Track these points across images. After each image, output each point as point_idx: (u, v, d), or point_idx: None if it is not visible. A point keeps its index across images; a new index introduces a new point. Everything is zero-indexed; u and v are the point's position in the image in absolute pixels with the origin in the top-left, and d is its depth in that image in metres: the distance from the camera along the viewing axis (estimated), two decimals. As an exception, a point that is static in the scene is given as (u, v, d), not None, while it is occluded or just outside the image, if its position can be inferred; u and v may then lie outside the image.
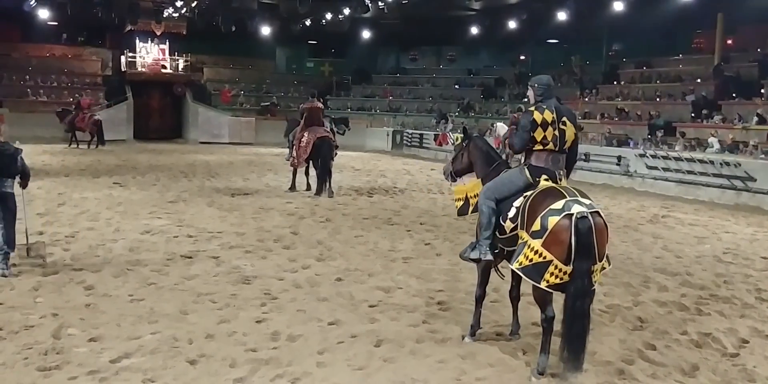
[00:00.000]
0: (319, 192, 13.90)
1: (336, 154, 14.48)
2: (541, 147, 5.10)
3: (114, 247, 8.61)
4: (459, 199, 5.98)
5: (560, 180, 5.11)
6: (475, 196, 5.70)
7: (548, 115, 5.05)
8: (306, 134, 13.86)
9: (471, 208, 5.81)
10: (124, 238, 9.17)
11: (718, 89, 22.39)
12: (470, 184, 5.92)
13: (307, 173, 14.59)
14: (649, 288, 7.45)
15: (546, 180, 5.07)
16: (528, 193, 4.99)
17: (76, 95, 28.50)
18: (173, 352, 5.12)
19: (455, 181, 6.17)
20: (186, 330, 5.60)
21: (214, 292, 6.76)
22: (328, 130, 14.33)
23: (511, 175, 5.27)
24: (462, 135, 6.28)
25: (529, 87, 5.31)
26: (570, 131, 5.12)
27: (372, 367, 4.95)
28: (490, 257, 5.26)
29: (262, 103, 33.91)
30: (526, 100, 29.32)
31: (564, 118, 5.10)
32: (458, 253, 5.81)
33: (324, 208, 12.35)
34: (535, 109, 5.12)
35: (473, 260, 5.43)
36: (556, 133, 5.05)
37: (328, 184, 14.02)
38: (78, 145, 24.92)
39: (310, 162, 14.15)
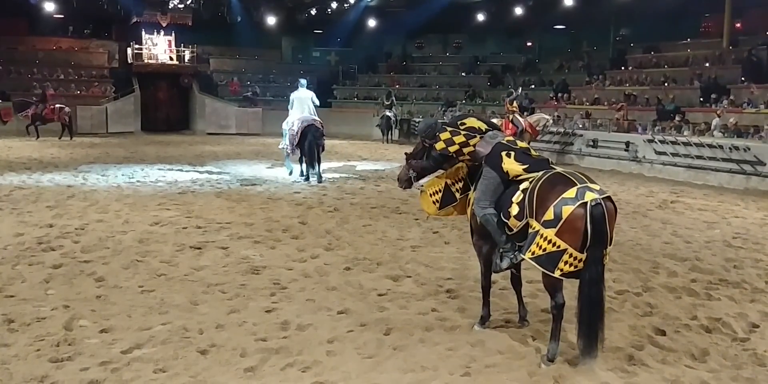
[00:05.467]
0: (307, 177, 14.59)
1: (323, 141, 15.04)
2: (470, 148, 5.37)
3: (123, 238, 8.64)
4: (437, 191, 5.77)
5: (515, 141, 5.42)
6: (459, 181, 5.64)
7: (444, 136, 5.45)
8: (295, 122, 14.46)
9: (459, 195, 5.68)
10: (134, 229, 9.20)
11: (727, 73, 22.22)
12: (448, 171, 5.74)
13: (301, 161, 15.11)
14: (659, 274, 7.42)
15: (507, 154, 5.15)
16: (527, 184, 4.94)
17: (44, 84, 27.99)
18: (184, 342, 5.15)
19: (411, 187, 6.07)
20: (196, 320, 5.63)
21: (223, 282, 6.79)
22: (317, 117, 14.86)
23: (485, 174, 5.28)
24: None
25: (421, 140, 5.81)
26: (471, 122, 5.51)
27: (382, 355, 4.96)
28: (521, 257, 5.13)
29: (243, 93, 33.54)
30: (533, 86, 29.47)
31: (458, 122, 5.54)
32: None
33: (332, 198, 12.37)
34: (436, 141, 5.51)
35: (508, 268, 5.40)
36: (461, 134, 5.40)
37: (317, 169, 14.64)
38: (35, 136, 24.34)
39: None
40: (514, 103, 18.73)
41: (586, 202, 4.55)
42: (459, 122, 5.55)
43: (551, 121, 20.32)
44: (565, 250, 4.59)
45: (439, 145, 5.48)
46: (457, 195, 5.69)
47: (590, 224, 4.54)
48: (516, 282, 5.67)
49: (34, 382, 4.43)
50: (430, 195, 5.81)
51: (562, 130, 20.94)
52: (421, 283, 6.92)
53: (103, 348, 5.01)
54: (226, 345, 5.10)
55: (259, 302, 6.18)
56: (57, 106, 24.74)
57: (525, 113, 19.51)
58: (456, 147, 5.42)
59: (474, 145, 5.39)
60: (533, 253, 4.71)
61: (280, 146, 15.62)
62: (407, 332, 5.42)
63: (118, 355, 4.88)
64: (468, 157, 5.47)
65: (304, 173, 14.81)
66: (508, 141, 5.37)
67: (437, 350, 5.05)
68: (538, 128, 19.30)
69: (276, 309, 5.99)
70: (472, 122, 5.52)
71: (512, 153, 5.18)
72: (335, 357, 4.92)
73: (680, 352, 5.10)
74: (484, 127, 5.50)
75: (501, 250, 5.27)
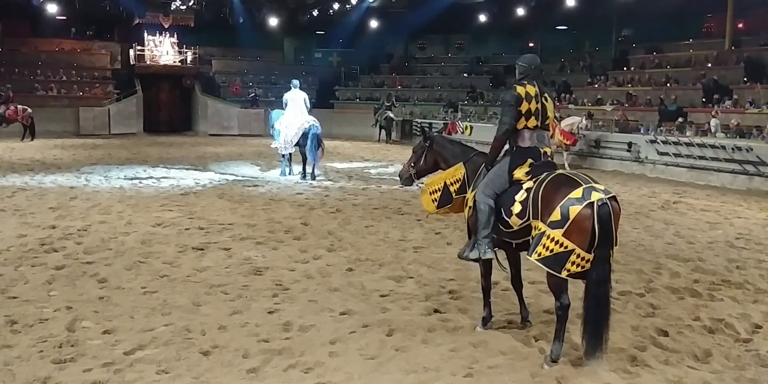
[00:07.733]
0: (312, 176, 14.98)
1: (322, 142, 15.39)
2: (524, 123, 5.20)
3: (126, 240, 8.65)
4: (436, 191, 5.77)
5: (547, 156, 5.25)
6: (456, 182, 5.63)
7: (531, 89, 5.22)
8: (293, 122, 14.74)
9: (455, 196, 5.65)
10: (136, 231, 9.21)
11: (729, 74, 22.19)
12: (447, 171, 5.78)
13: (289, 159, 15.72)
14: (661, 274, 7.42)
15: (531, 164, 5.12)
16: (531, 184, 4.94)
17: (6, 85, 27.82)
18: (186, 343, 5.15)
19: (411, 184, 6.20)
20: (199, 321, 5.63)
21: (226, 283, 6.79)
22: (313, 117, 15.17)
23: (501, 167, 5.25)
24: (423, 134, 6.23)
25: (516, 65, 5.44)
26: (550, 106, 5.35)
27: (384, 356, 4.96)
28: (490, 255, 5.21)
29: (249, 95, 33.50)
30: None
31: (545, 94, 5.32)
32: (457, 254, 5.77)
33: (334, 199, 12.37)
34: (517, 85, 5.28)
35: (474, 260, 5.39)
36: (539, 106, 5.24)
37: (313, 168, 15.10)
38: None
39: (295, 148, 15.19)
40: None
41: (592, 202, 4.54)
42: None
43: (584, 122, 19.29)
44: (573, 250, 4.57)
45: (509, 94, 5.24)
46: (454, 196, 5.68)
47: (597, 224, 4.53)
48: (516, 283, 5.66)
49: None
50: (430, 194, 5.83)
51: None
52: (423, 284, 6.92)
53: (106, 349, 5.01)
54: (229, 346, 5.10)
55: (262, 303, 6.18)
56: (19, 107, 24.83)
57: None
58: (525, 105, 5.16)
59: (516, 124, 5.18)
60: (540, 255, 4.69)
61: (273, 145, 15.90)
62: (409, 333, 5.42)
63: (120, 356, 4.88)
64: (514, 122, 5.20)
65: (302, 172, 15.14)
66: (543, 152, 5.23)
67: (440, 351, 5.05)
68: (573, 132, 18.57)
69: (278, 310, 5.99)
70: (530, 90, 5.22)
71: (529, 169, 5.13)
72: (338, 358, 4.92)
73: (683, 353, 5.10)
74: (534, 108, 5.23)
75: (476, 241, 5.26)
